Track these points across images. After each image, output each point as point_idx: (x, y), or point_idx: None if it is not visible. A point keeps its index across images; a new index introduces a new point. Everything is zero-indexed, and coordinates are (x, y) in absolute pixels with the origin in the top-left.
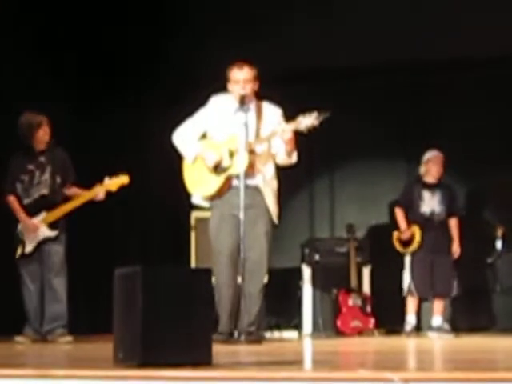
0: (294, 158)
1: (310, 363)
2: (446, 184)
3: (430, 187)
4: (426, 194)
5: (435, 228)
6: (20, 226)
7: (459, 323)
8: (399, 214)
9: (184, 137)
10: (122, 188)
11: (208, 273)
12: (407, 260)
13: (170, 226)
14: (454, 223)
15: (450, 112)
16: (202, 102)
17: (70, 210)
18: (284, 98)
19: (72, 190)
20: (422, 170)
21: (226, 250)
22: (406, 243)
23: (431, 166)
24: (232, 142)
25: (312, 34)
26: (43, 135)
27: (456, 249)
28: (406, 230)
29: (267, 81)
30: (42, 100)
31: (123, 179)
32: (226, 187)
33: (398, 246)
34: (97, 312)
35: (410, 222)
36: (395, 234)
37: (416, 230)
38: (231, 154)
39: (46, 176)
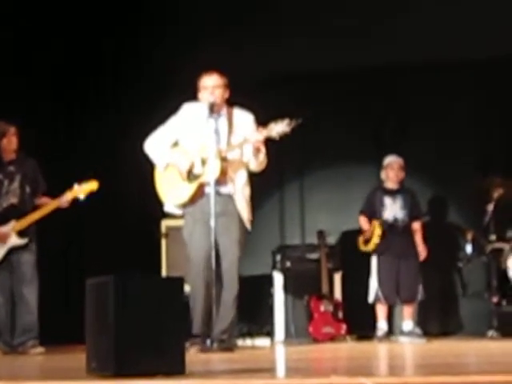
0: (264, 164)
1: (282, 370)
2: (407, 189)
3: (391, 193)
4: (388, 200)
5: (399, 233)
6: None
7: (430, 327)
8: (362, 220)
9: (156, 145)
10: (92, 194)
11: (180, 281)
12: (373, 266)
13: (140, 234)
14: (417, 227)
15: (420, 117)
16: (173, 110)
17: (39, 219)
18: (257, 104)
19: (42, 200)
20: (383, 175)
21: (200, 256)
22: (367, 241)
23: (389, 171)
24: (204, 149)
25: (283, 42)
26: (8, 144)
27: (422, 251)
28: (368, 230)
29: (241, 87)
30: (15, 108)
31: (92, 185)
32: (199, 194)
33: (361, 246)
34: (68, 322)
35: (371, 222)
36: (360, 238)
37: (376, 225)
38: (203, 162)
39: (15, 185)
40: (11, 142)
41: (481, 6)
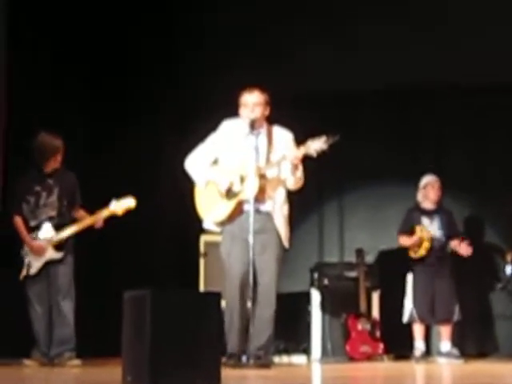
0: (301, 183)
1: None
2: (445, 209)
3: (429, 213)
4: (425, 221)
5: (435, 253)
6: (25, 248)
7: (468, 348)
8: (403, 239)
9: (196, 163)
10: (129, 212)
11: (217, 296)
12: (409, 285)
13: (179, 250)
14: (455, 244)
15: (459, 137)
16: (214, 127)
17: (75, 232)
18: (295, 121)
19: (79, 213)
20: (420, 196)
21: (237, 273)
22: (415, 250)
23: (429, 191)
24: (243, 166)
25: (323, 60)
26: (54, 163)
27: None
28: (422, 243)
29: (279, 105)
30: (56, 121)
31: (129, 203)
32: (238, 212)
33: (412, 254)
34: (105, 335)
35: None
36: (410, 251)
37: (424, 236)
38: (242, 179)
39: (54, 198)
40: (58, 160)
41: None
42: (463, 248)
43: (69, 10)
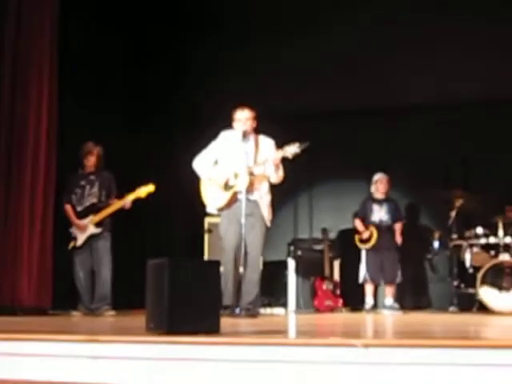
0: (281, 178)
1: (293, 333)
2: (391, 198)
3: (379, 202)
4: (376, 207)
5: (383, 232)
6: (73, 226)
7: (406, 303)
8: (357, 222)
9: (201, 163)
10: (150, 195)
11: (217, 263)
12: (363, 255)
13: (190, 228)
14: (398, 227)
15: (398, 147)
16: (214, 136)
17: (109, 214)
18: (277, 132)
19: (114, 200)
20: (372, 188)
21: (231, 247)
22: (365, 241)
23: (379, 185)
24: (236, 166)
25: (295, 87)
26: (87, 161)
27: (399, 242)
28: (366, 231)
29: (264, 119)
30: (99, 129)
31: (150, 188)
32: (233, 200)
33: (359, 244)
34: (133, 293)
35: (367, 226)
36: (356, 236)
37: (374, 231)
38: (236, 176)
39: (95, 190)
40: (89, 160)
41: None
42: (398, 238)
43: (107, 41)
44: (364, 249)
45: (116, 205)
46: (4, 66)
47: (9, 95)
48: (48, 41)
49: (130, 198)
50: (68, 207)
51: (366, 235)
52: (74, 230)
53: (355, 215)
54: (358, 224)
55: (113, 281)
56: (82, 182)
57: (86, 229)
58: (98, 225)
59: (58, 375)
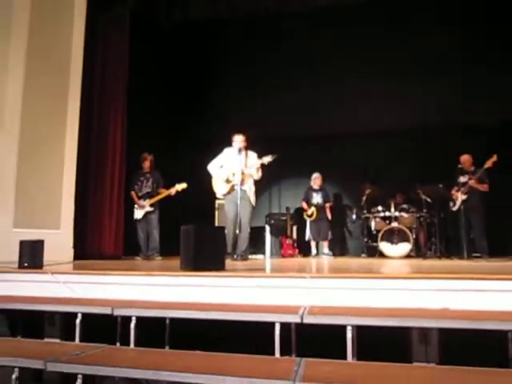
0: (260, 176)
1: (269, 269)
2: (323, 188)
3: (316, 191)
4: (314, 194)
5: (319, 210)
6: (136, 205)
7: (335, 251)
8: (303, 204)
9: (212, 167)
10: (184, 190)
11: (223, 228)
12: (308, 224)
13: (206, 206)
14: (327, 206)
15: (332, 160)
16: (220, 150)
17: (159, 199)
18: (259, 149)
19: (162, 190)
20: (312, 182)
21: (231, 218)
22: (309, 215)
23: (316, 180)
24: (234, 169)
25: (275, 115)
26: (145, 164)
27: (329, 216)
28: (309, 209)
29: (252, 140)
30: (152, 146)
31: (183, 185)
32: (232, 189)
33: (305, 217)
34: (173, 245)
35: (310, 206)
36: (304, 212)
37: (314, 209)
38: (233, 174)
39: (150, 183)
40: (145, 164)
41: None
42: (328, 213)
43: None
44: (309, 220)
45: (163, 194)
46: (94, 107)
47: (96, 127)
48: (121, 89)
49: (172, 190)
50: (133, 193)
51: (309, 212)
52: (136, 208)
53: (302, 199)
54: (304, 205)
55: (160, 238)
56: (141, 178)
57: (144, 207)
58: (151, 205)
59: (127, 295)
